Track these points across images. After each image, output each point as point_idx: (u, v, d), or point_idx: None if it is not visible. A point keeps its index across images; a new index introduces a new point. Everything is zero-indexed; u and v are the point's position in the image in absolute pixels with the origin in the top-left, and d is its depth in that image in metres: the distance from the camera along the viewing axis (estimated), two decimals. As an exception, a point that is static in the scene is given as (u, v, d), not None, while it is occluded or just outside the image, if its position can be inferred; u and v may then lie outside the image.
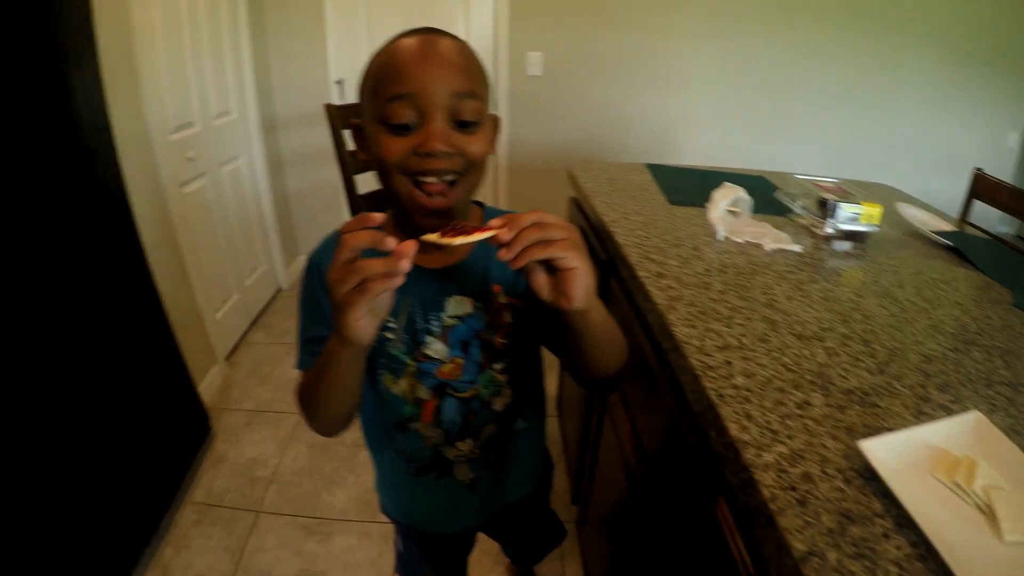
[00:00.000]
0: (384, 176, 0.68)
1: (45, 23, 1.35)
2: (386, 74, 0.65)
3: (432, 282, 0.77)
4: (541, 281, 0.59)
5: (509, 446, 0.93)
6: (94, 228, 1.55)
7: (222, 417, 2.29)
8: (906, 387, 0.84)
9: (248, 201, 2.94)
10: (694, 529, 0.83)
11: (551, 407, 2.37)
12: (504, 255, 0.55)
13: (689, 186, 1.57)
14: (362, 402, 0.77)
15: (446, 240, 0.58)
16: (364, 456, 2.02)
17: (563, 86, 3.11)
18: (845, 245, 1.32)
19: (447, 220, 0.65)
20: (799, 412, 0.76)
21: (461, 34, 2.92)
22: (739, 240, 1.24)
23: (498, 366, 0.83)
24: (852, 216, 1.32)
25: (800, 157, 3.21)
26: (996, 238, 1.59)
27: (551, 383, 2.43)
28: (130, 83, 1.91)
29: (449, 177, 0.66)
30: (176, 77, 2.24)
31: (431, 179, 0.65)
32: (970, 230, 1.62)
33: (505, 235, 0.55)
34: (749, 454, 0.68)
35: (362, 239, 0.53)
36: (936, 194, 2.02)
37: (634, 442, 1.09)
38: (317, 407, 0.72)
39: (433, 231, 0.59)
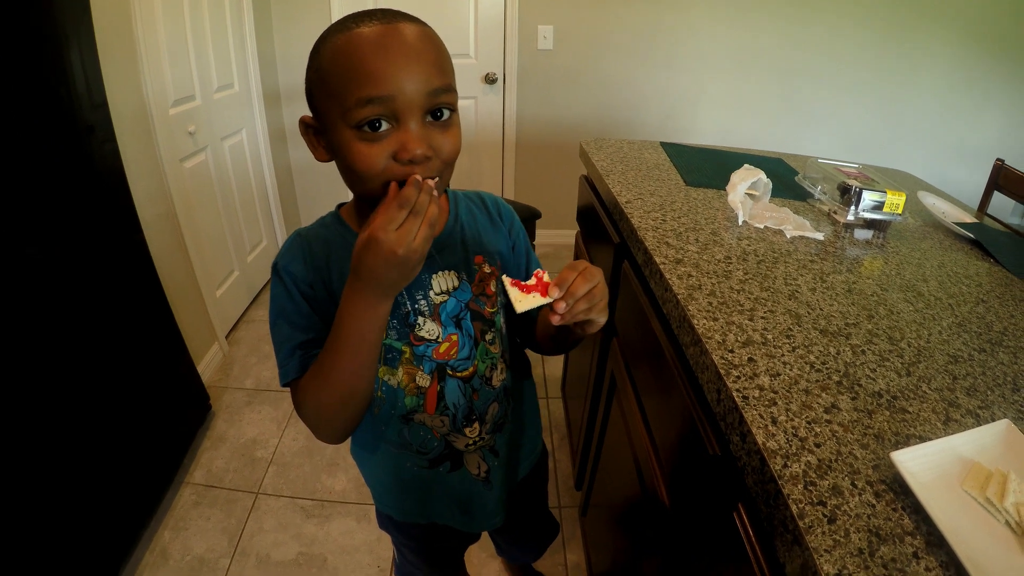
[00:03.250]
0: (357, 183, 0.65)
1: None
2: (351, 73, 0.60)
3: None
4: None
5: (514, 423, 0.91)
6: (91, 205, 1.50)
7: (222, 396, 2.27)
8: (934, 390, 0.79)
9: (251, 175, 2.88)
10: (708, 536, 0.80)
11: (555, 389, 2.34)
12: (556, 320, 0.64)
13: (706, 167, 1.51)
14: None
15: (519, 303, 0.65)
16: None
17: (574, 61, 3.03)
18: (867, 234, 1.27)
19: None
20: (827, 417, 0.71)
21: (471, 7, 2.86)
22: (759, 225, 1.19)
23: (489, 337, 0.81)
24: (875, 204, 1.27)
25: (814, 142, 3.13)
26: (1017, 232, 1.53)
27: (556, 365, 2.40)
28: (128, 56, 1.85)
29: (431, 178, 0.63)
30: (176, 49, 2.17)
31: None
32: (989, 222, 1.56)
33: (561, 307, 0.63)
34: (776, 464, 0.64)
35: (422, 201, 0.57)
36: (953, 183, 1.96)
37: (645, 431, 1.05)
38: (335, 407, 0.69)
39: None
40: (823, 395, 0.74)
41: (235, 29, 2.67)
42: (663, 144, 1.77)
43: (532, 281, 0.65)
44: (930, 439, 0.69)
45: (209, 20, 2.42)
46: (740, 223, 1.20)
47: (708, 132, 3.15)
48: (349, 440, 0.86)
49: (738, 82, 3.06)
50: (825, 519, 0.59)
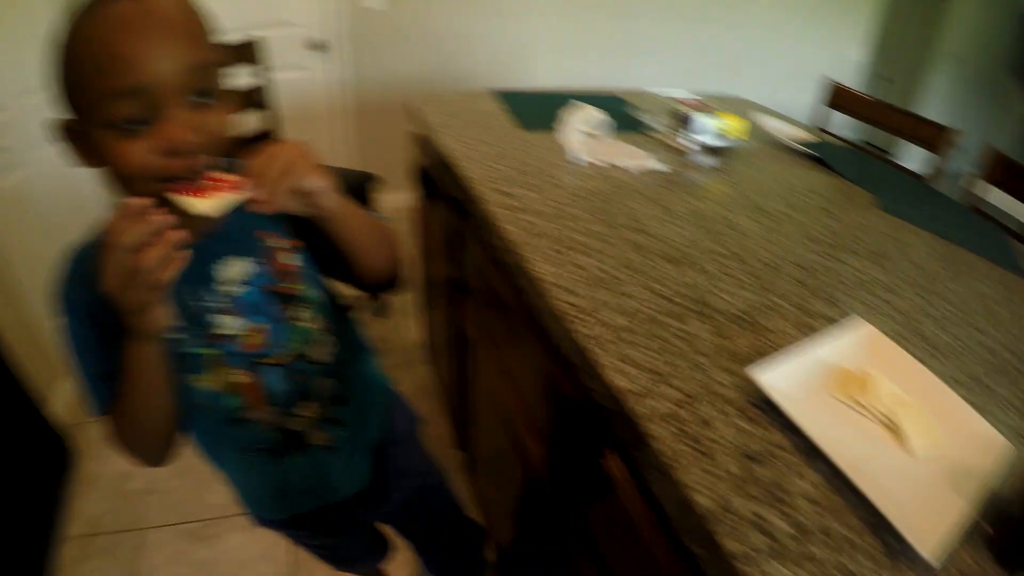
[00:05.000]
0: (127, 187, 0.57)
1: None
2: (96, 61, 0.52)
3: (193, 256, 0.60)
4: (290, 203, 0.58)
5: (354, 390, 0.84)
6: None
7: (86, 431, 1.98)
8: (789, 303, 0.77)
9: (83, 186, 2.47)
10: (584, 486, 0.72)
11: (420, 354, 2.21)
12: (261, 208, 0.56)
13: (542, 110, 1.43)
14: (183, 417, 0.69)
15: (202, 206, 0.55)
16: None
17: (407, 19, 2.86)
18: (710, 160, 1.24)
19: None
20: (685, 347, 0.65)
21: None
22: (600, 163, 1.11)
23: (307, 315, 0.74)
24: (715, 130, 1.24)
25: (653, 76, 3.16)
26: (855, 146, 1.58)
27: (413, 329, 2.27)
28: None
29: (203, 167, 0.57)
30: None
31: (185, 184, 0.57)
32: (827, 139, 1.61)
33: (260, 193, 0.55)
34: (636, 405, 0.57)
35: (131, 235, 0.48)
36: (785, 105, 2.01)
37: (511, 387, 0.96)
38: (144, 437, 0.66)
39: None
40: (678, 325, 0.68)
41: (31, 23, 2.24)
42: (498, 92, 1.66)
43: (210, 185, 0.57)
44: (792, 352, 0.65)
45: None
46: (577, 162, 1.12)
47: (547, 77, 3.11)
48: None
49: (570, 23, 3.04)
50: (695, 452, 0.53)
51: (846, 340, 0.71)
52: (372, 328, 2.03)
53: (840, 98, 1.84)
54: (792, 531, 0.48)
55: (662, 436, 0.54)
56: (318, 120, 3.01)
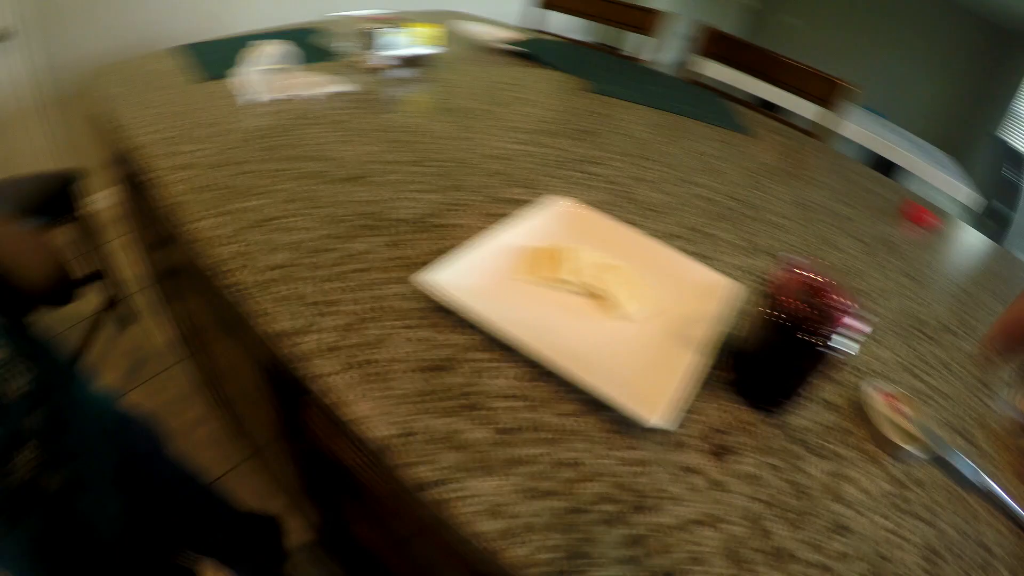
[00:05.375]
0: None
1: None
2: None
3: None
4: None
5: (73, 413, 0.74)
6: None
7: None
8: (481, 196, 0.76)
9: None
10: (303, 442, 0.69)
11: (172, 355, 2.03)
12: None
13: (225, 58, 1.28)
14: None
15: None
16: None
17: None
18: (408, 73, 1.20)
19: None
20: (355, 266, 0.62)
21: None
22: (282, 98, 1.03)
23: None
24: (405, 42, 1.20)
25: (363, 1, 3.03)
26: (568, 40, 1.62)
27: (159, 331, 2.08)
28: None
29: None
30: None
31: None
32: (542, 37, 1.63)
33: None
34: (296, 345, 0.53)
35: None
36: (507, 14, 2.01)
37: (236, 360, 0.89)
38: None
39: None
40: (347, 246, 0.65)
41: None
42: (185, 47, 1.48)
43: None
44: (472, 246, 0.64)
45: None
46: (254, 102, 1.02)
47: (254, 22, 2.88)
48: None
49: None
50: (368, 378, 0.50)
51: (538, 220, 0.71)
52: (122, 340, 1.79)
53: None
54: (495, 436, 0.47)
55: (328, 371, 0.50)
56: (7, 123, 2.54)
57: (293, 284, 0.59)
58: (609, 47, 1.78)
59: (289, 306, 0.56)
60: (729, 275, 0.67)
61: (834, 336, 0.49)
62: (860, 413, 0.57)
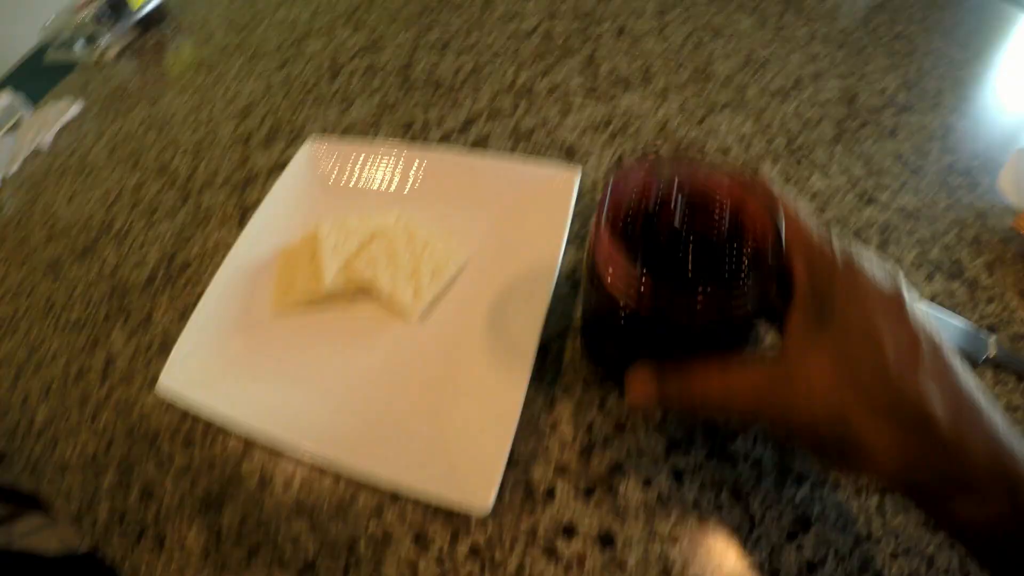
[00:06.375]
0: None
1: None
2: None
3: None
4: None
5: None
6: None
7: None
8: (229, 184, 0.61)
9: None
10: None
11: None
12: None
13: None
14: None
15: None
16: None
17: None
18: (153, 35, 0.97)
19: None
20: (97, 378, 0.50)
21: None
22: (18, 167, 0.85)
23: None
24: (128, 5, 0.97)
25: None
26: None
27: None
28: None
29: None
30: None
31: None
32: None
33: None
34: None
35: None
36: None
37: None
38: None
39: None
40: (89, 360, 0.52)
41: None
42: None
43: None
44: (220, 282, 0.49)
45: None
46: None
47: None
48: None
49: None
50: (154, 551, 0.41)
51: (288, 195, 0.54)
52: None
53: None
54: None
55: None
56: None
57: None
58: None
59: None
60: (580, 151, 0.52)
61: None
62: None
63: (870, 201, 0.51)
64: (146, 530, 0.41)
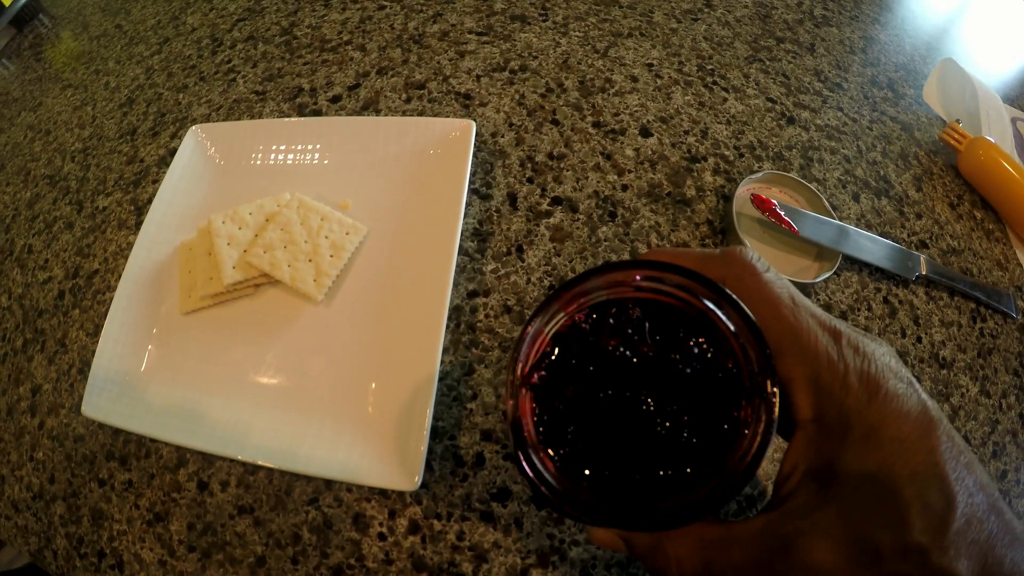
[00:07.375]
0: None
1: None
2: None
3: None
4: None
5: None
6: None
7: None
8: (121, 185, 0.57)
9: None
10: None
11: None
12: None
13: None
14: None
15: None
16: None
17: None
18: (29, 32, 0.90)
19: None
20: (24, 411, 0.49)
21: None
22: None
23: None
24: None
25: None
26: None
27: None
28: None
29: None
30: None
31: None
32: None
33: None
34: None
35: None
36: None
37: None
38: None
39: None
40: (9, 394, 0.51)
41: None
42: None
43: None
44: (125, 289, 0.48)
45: None
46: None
47: None
48: None
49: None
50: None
51: (175, 190, 0.52)
52: None
53: None
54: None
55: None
56: None
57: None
58: None
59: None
60: (478, 98, 0.50)
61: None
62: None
63: (791, 121, 0.49)
64: (104, 553, 0.42)
